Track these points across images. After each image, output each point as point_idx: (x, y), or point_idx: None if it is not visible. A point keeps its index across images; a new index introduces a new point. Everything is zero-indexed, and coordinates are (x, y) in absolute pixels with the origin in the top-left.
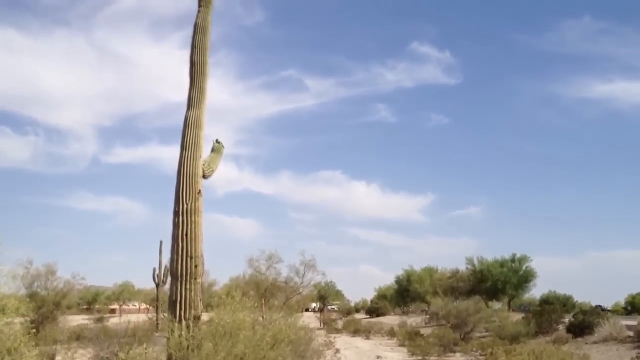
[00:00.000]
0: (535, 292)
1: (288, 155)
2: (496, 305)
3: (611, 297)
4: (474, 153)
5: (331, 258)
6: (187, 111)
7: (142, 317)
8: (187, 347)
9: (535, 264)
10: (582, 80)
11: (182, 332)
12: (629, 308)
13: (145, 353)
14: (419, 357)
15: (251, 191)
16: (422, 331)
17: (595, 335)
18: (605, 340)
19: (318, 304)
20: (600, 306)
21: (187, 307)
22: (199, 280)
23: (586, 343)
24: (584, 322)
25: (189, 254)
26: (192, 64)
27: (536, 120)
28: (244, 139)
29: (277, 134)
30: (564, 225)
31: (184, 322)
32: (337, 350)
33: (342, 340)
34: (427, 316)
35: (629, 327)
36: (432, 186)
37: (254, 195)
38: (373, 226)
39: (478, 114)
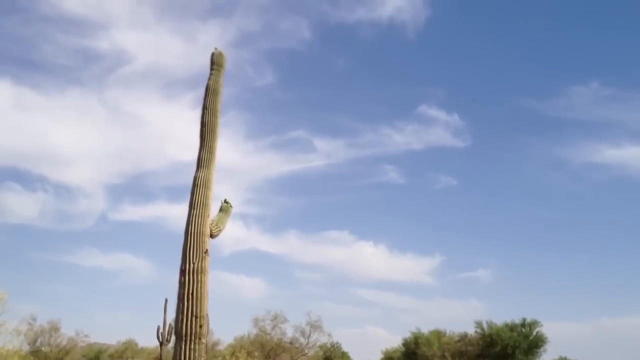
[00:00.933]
0: (546, 357)
1: (296, 214)
2: None
3: None
4: (482, 215)
5: (337, 318)
6: (196, 171)
7: None
8: None
9: (547, 329)
10: (591, 145)
11: None
12: None
13: None
14: None
15: (258, 250)
16: None
17: None
18: None
19: None
20: None
21: None
22: (203, 340)
23: None
24: None
25: (194, 313)
26: (203, 124)
27: (545, 183)
28: (252, 198)
29: (285, 194)
30: (575, 289)
31: None
32: None
33: None
34: None
35: None
36: (440, 248)
37: (261, 254)
38: (380, 287)
39: (486, 176)
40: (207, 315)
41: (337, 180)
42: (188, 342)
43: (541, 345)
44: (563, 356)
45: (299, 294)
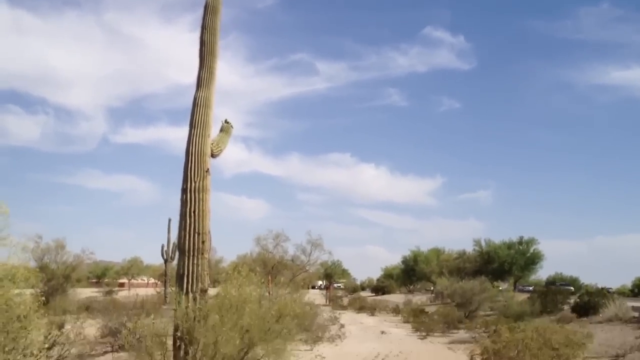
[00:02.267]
0: (542, 274)
1: (297, 137)
2: (502, 286)
3: (618, 280)
4: (484, 137)
5: (339, 238)
6: (196, 91)
7: (150, 292)
8: (194, 319)
9: (543, 247)
10: (598, 66)
11: (189, 304)
12: (636, 290)
13: (153, 323)
14: (423, 334)
15: (260, 173)
16: (427, 309)
17: (600, 315)
18: (609, 320)
19: (324, 282)
20: (607, 289)
21: (195, 281)
22: (206, 255)
23: (590, 323)
24: (589, 303)
25: (196, 230)
26: (202, 43)
27: (549, 106)
28: (254, 121)
29: (287, 117)
30: (573, 209)
31: (191, 295)
32: (342, 326)
33: (348, 317)
34: (433, 295)
35: (635, 309)
36: (441, 169)
37: (263, 176)
38: (381, 208)
39: (490, 99)
40: (209, 231)
41: (340, 103)
42: (191, 257)
43: (537, 262)
44: (559, 272)
45: (301, 215)
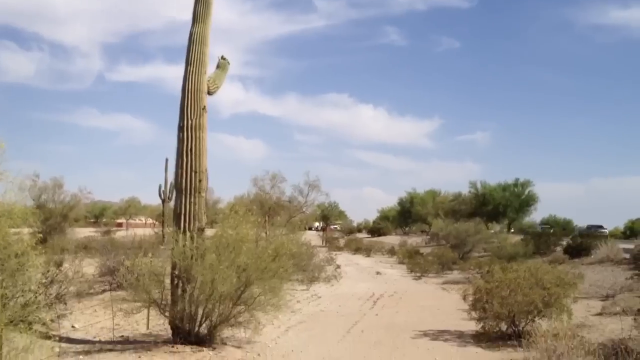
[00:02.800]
0: (537, 216)
1: (295, 77)
2: (497, 228)
3: (612, 222)
4: (483, 78)
5: (336, 180)
6: (192, 27)
7: (148, 231)
8: (191, 257)
9: (539, 189)
10: (598, 5)
11: (186, 243)
12: (628, 233)
13: (151, 262)
14: (418, 274)
15: (257, 113)
16: (422, 251)
17: (592, 256)
18: (601, 261)
19: (321, 223)
20: (599, 226)
21: (192, 219)
22: (203, 194)
23: (582, 264)
24: (581, 244)
25: (193, 168)
26: None
27: (549, 46)
28: (251, 60)
29: (285, 56)
30: (570, 152)
31: (188, 234)
32: (338, 266)
33: (344, 258)
34: (428, 237)
35: (626, 250)
36: (439, 111)
37: (260, 116)
38: (378, 149)
39: (490, 39)
40: (206, 170)
41: (338, 42)
42: (188, 195)
43: (532, 204)
44: (553, 214)
45: (298, 156)
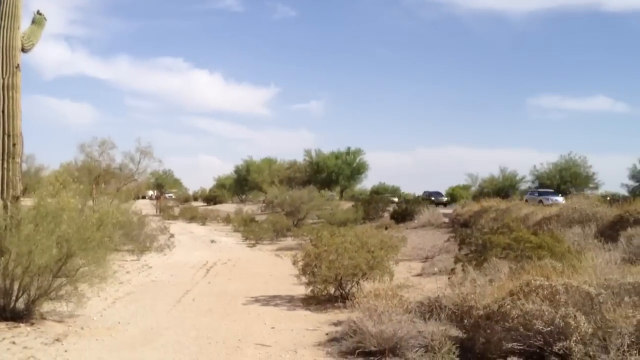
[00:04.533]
0: (368, 183)
1: (127, 39)
2: (333, 194)
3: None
4: (318, 48)
5: (171, 147)
6: None
7: None
8: (5, 227)
9: (370, 157)
10: None
11: (0, 212)
12: (449, 199)
13: None
14: (252, 242)
15: (85, 75)
16: (258, 218)
17: (416, 221)
18: (423, 225)
19: (155, 192)
20: (438, 193)
21: (5, 187)
22: (17, 160)
23: (407, 228)
24: (406, 210)
25: (6, 132)
26: None
27: (380, 19)
28: (78, 18)
29: (115, 15)
30: (399, 123)
31: (1, 202)
32: (172, 235)
33: (178, 227)
34: (264, 205)
35: (446, 215)
36: (275, 79)
37: (89, 79)
38: (215, 116)
39: (325, 9)
40: (20, 134)
41: (173, 5)
42: (1, 161)
43: (362, 172)
44: (383, 182)
45: (130, 122)
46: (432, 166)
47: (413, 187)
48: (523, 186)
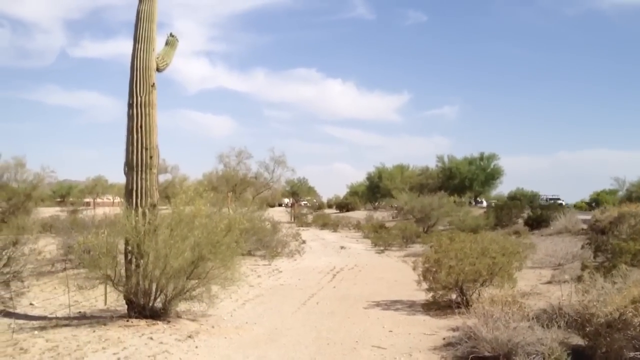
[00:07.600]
0: (504, 189)
1: (263, 51)
2: (467, 201)
3: (578, 194)
4: (451, 52)
5: (305, 156)
6: (139, 4)
7: (116, 210)
8: (144, 233)
9: (505, 163)
10: None
11: (139, 218)
12: (593, 204)
13: (106, 237)
14: (381, 248)
15: (225, 89)
16: (388, 225)
17: (551, 228)
18: (560, 232)
19: (290, 199)
20: (556, 198)
21: (144, 196)
22: (154, 170)
23: (542, 235)
24: (541, 216)
25: (144, 145)
26: None
27: (515, 20)
28: (217, 35)
29: (252, 30)
30: (536, 125)
31: (140, 210)
32: (303, 242)
33: (310, 233)
34: (395, 211)
35: (585, 221)
36: (408, 85)
37: (228, 92)
38: (347, 124)
39: (456, 12)
40: (156, 146)
41: (305, 16)
42: (139, 172)
43: (497, 177)
44: (520, 187)
45: (267, 132)
46: (573, 170)
47: (553, 193)
48: None
